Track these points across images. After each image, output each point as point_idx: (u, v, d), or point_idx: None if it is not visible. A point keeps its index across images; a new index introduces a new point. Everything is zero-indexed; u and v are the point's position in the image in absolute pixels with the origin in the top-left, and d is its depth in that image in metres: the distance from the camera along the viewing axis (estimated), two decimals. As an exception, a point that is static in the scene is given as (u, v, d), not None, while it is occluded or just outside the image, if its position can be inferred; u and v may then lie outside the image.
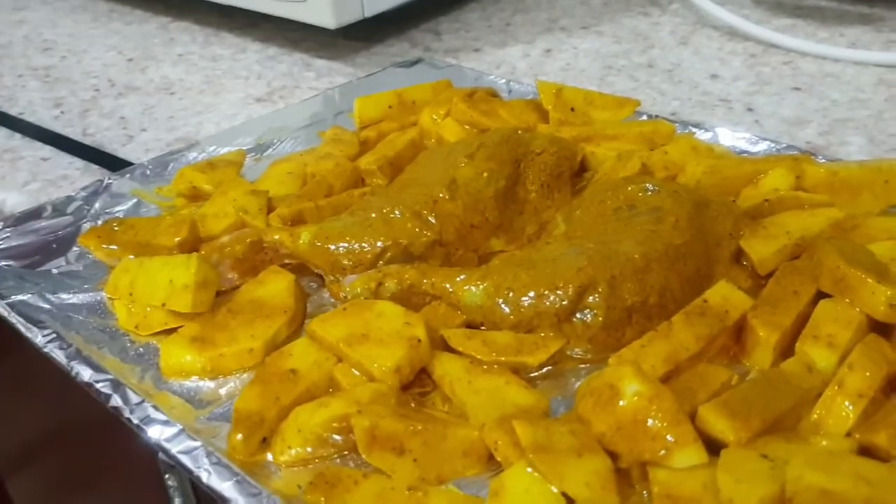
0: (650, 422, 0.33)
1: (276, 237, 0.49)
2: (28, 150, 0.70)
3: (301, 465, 0.37)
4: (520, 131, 0.57)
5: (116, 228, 0.53)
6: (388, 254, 0.47)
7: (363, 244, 0.47)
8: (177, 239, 0.49)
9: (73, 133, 0.73)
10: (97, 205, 0.58)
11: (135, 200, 0.59)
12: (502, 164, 0.53)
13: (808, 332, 0.39)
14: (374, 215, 0.49)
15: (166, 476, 0.45)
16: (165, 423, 0.39)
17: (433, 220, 0.48)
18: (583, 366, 0.41)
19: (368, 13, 0.82)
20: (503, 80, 0.73)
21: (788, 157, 0.55)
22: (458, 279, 0.43)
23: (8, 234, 0.55)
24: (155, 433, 0.38)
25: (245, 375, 0.43)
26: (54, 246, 0.54)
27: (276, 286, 0.46)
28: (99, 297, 0.49)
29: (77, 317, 0.47)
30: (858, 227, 0.47)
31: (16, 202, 0.63)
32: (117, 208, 0.57)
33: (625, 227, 0.45)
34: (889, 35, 0.79)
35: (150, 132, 0.73)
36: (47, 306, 0.48)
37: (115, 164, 0.67)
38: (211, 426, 0.39)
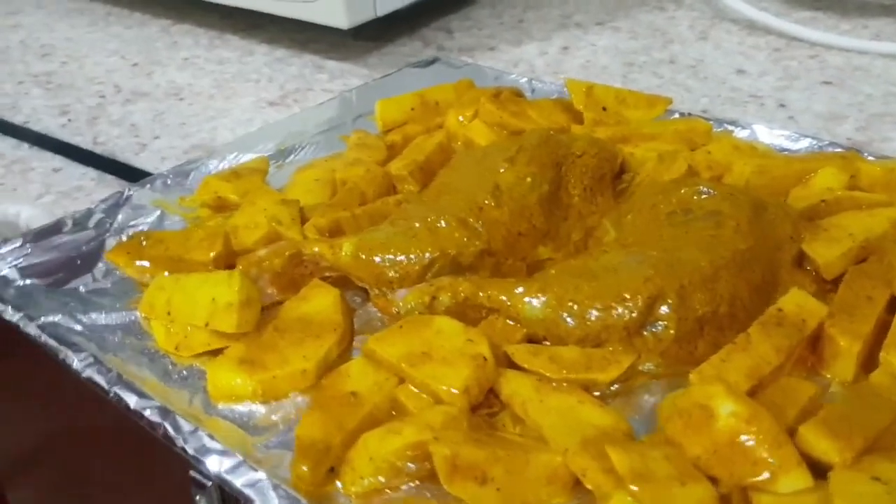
0: (749, 444, 0.32)
1: (316, 249, 0.47)
2: (38, 161, 0.68)
3: (374, 496, 0.35)
4: (552, 132, 0.55)
5: (144, 243, 0.50)
6: (437, 265, 0.45)
7: (410, 256, 0.45)
8: (212, 254, 0.47)
9: (83, 142, 0.70)
10: (120, 217, 0.55)
11: (157, 212, 0.56)
12: (544, 168, 0.51)
13: (891, 341, 0.38)
14: (417, 225, 0.47)
15: (197, 498, 0.43)
16: (223, 452, 0.36)
17: (480, 229, 0.47)
18: (654, 381, 0.40)
19: (381, 12, 0.80)
20: (524, 79, 0.71)
21: (836, 155, 0.53)
22: (515, 291, 0.42)
23: (28, 251, 0.52)
24: (214, 465, 0.36)
25: (299, 398, 0.41)
26: (78, 262, 0.52)
27: (321, 302, 0.44)
28: (133, 317, 0.47)
29: (112, 338, 0.45)
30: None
31: (30, 216, 0.61)
32: (141, 221, 0.55)
33: (683, 233, 0.44)
34: (912, 27, 0.78)
35: (163, 139, 0.70)
36: (79, 327, 0.46)
37: (130, 173, 0.65)
38: (271, 455, 0.37)
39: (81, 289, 0.50)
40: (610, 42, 0.82)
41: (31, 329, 0.46)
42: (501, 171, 0.51)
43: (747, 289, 0.41)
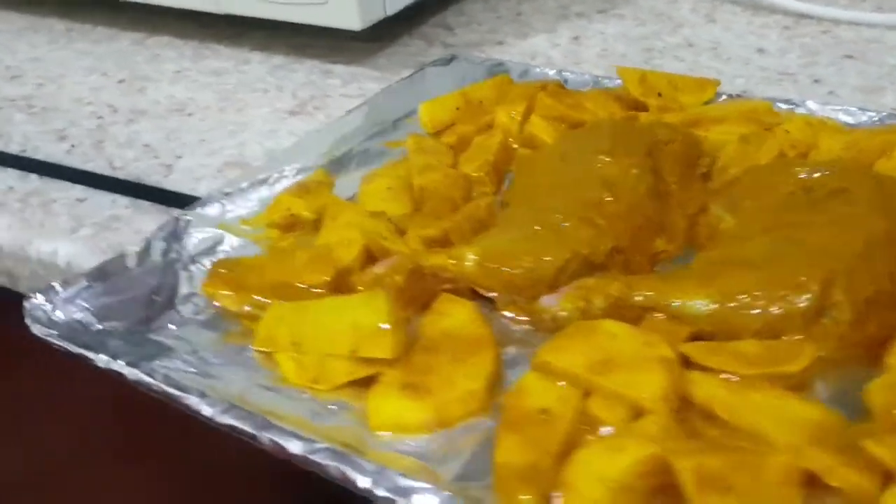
0: None
1: (438, 262, 0.44)
2: (55, 192, 0.62)
3: (598, 519, 0.33)
4: (627, 122, 0.54)
5: (233, 272, 0.46)
6: (570, 267, 0.43)
7: (541, 260, 0.43)
8: (326, 277, 0.44)
9: (97, 168, 0.65)
10: (188, 246, 0.51)
11: (223, 236, 0.52)
12: (642, 159, 0.50)
13: None
14: (538, 228, 0.45)
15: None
16: (426, 490, 0.33)
17: (605, 226, 0.45)
18: (826, 368, 0.39)
19: (390, 11, 0.77)
20: (552, 71, 0.70)
21: (915, 126, 0.54)
22: (670, 289, 0.40)
23: (96, 291, 0.48)
24: (421, 504, 0.33)
25: (471, 422, 0.38)
26: (156, 298, 0.47)
27: (460, 316, 0.41)
28: (245, 352, 0.43)
29: (233, 377, 0.41)
30: None
31: (70, 253, 0.55)
32: (213, 248, 0.51)
33: (818, 214, 0.43)
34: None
35: (187, 159, 0.65)
36: (191, 369, 0.42)
37: (163, 197, 0.60)
38: (472, 488, 0.35)
39: (171, 326, 0.46)
40: (618, 29, 0.81)
41: (140, 376, 0.41)
42: (599, 165, 0.49)
43: (897, 264, 0.41)
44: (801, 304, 0.38)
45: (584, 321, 0.40)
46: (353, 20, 0.73)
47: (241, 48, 0.84)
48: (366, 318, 0.39)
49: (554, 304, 0.41)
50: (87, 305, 0.47)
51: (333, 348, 0.40)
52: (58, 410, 0.71)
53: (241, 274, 0.45)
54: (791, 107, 0.61)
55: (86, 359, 0.43)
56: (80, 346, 0.43)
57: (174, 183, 0.62)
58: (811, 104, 0.61)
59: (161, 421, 0.61)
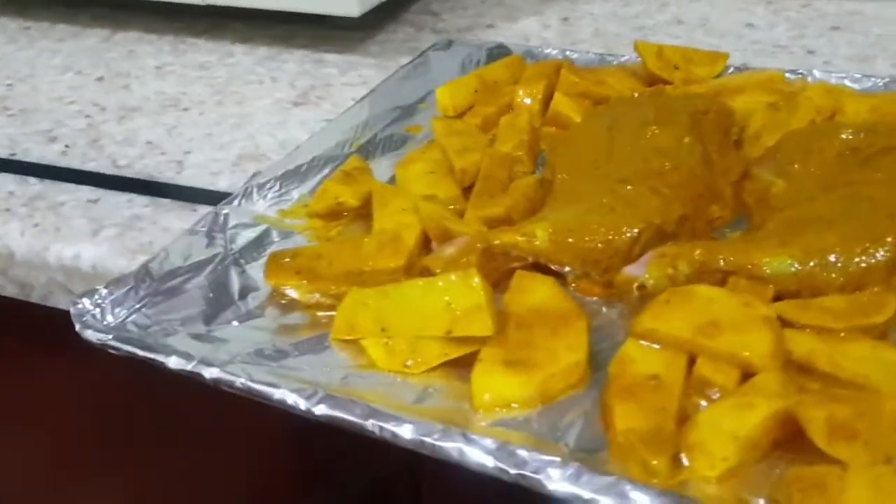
0: None
1: (509, 240, 0.44)
2: (63, 194, 0.59)
3: (731, 476, 0.33)
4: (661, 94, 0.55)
5: (289, 261, 0.45)
6: (644, 237, 0.44)
7: (616, 231, 0.43)
8: (402, 261, 0.43)
9: (100, 167, 0.62)
10: (237, 239, 0.49)
11: (265, 228, 0.50)
12: (689, 128, 0.50)
13: None
14: (605, 200, 0.45)
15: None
16: (555, 464, 0.33)
17: (670, 194, 0.45)
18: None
19: (385, -4, 0.76)
20: (555, 51, 0.70)
21: (927, 88, 0.56)
22: (753, 251, 0.41)
23: (146, 292, 0.45)
24: (558, 483, 0.32)
25: (572, 395, 0.38)
26: (213, 296, 0.46)
27: (543, 291, 0.41)
28: (320, 342, 0.42)
29: (320, 369, 0.40)
30: None
31: (95, 255, 0.53)
32: (261, 240, 0.49)
33: (872, 171, 0.45)
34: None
35: (197, 154, 0.63)
36: (272, 363, 0.40)
37: (181, 193, 0.58)
38: (594, 459, 0.34)
39: (235, 323, 0.44)
40: (606, 9, 0.82)
41: (221, 376, 0.39)
42: (650, 136, 0.49)
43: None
44: (882, 257, 0.40)
45: (679, 287, 0.40)
46: (351, 6, 0.72)
47: (221, 41, 0.82)
48: (460, 298, 0.38)
49: (640, 273, 0.41)
50: (139, 307, 0.45)
51: (427, 330, 0.39)
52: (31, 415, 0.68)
53: (305, 264, 0.44)
54: (799, 76, 0.62)
55: (153, 362, 0.41)
56: (144, 349, 0.41)
57: (189, 178, 0.60)
58: (817, 73, 0.63)
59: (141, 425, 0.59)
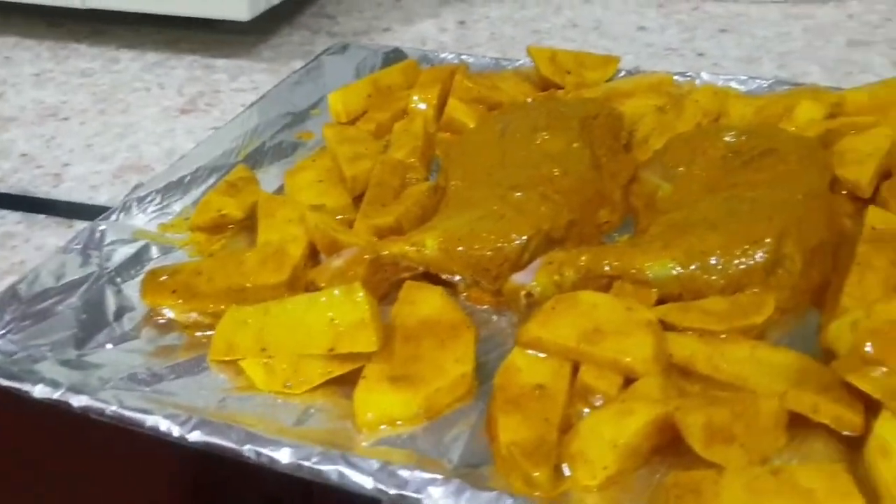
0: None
1: (398, 250, 0.43)
2: (-75, 212, 0.55)
3: (612, 484, 0.33)
4: (551, 99, 0.55)
5: (173, 280, 0.43)
6: (533, 244, 0.43)
7: (504, 239, 0.43)
8: (284, 276, 0.41)
9: (-30, 182, 0.58)
10: (114, 256, 0.47)
11: (143, 244, 0.48)
12: (579, 133, 0.50)
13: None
14: (496, 207, 0.44)
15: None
16: (436, 481, 0.32)
17: (560, 200, 0.45)
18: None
19: (275, 0, 0.74)
20: (451, 55, 0.70)
21: (806, 90, 0.58)
22: (637, 255, 0.41)
23: (12, 316, 0.43)
24: (438, 502, 0.31)
25: (458, 408, 0.37)
26: (86, 318, 0.43)
27: (432, 302, 0.40)
28: (202, 365, 0.40)
29: (196, 392, 0.38)
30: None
31: (-39, 277, 0.49)
32: (138, 257, 0.47)
33: (754, 173, 0.46)
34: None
35: (76, 166, 0.60)
36: (145, 389, 0.38)
37: (57, 209, 0.55)
38: (478, 473, 0.34)
39: (109, 346, 0.42)
40: (502, 13, 0.82)
41: (90, 403, 0.37)
42: (539, 142, 0.49)
43: (829, 215, 0.44)
44: (760, 258, 0.40)
45: (564, 294, 0.39)
46: (240, 10, 0.70)
47: (105, 46, 0.78)
48: (344, 313, 0.37)
49: (528, 280, 0.41)
50: (4, 332, 0.42)
51: (309, 348, 0.38)
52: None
53: (184, 281, 0.42)
54: (688, 79, 0.63)
55: (18, 391, 0.38)
56: (8, 377, 0.39)
57: (67, 192, 0.57)
58: (705, 75, 0.64)
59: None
